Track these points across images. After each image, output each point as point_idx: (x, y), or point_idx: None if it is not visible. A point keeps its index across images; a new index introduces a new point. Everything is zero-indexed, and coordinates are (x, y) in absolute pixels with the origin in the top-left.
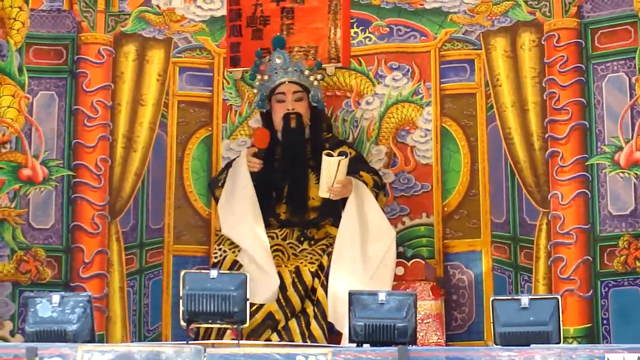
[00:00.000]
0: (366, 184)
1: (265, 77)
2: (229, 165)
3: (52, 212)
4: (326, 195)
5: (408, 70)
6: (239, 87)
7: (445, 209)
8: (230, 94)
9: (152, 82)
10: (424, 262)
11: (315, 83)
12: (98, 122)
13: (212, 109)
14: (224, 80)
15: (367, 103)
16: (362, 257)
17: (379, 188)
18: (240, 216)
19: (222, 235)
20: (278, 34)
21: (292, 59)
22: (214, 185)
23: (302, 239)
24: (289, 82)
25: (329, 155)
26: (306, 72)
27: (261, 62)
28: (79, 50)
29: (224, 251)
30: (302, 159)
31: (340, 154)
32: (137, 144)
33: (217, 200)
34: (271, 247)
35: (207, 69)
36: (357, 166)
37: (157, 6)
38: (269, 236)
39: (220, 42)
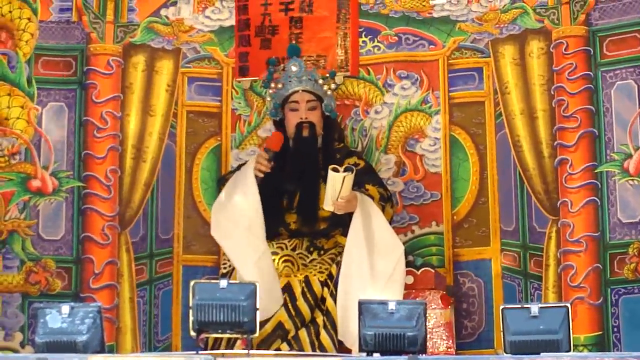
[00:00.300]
0: (372, 198)
1: (280, 86)
2: (240, 166)
3: (62, 223)
4: (330, 209)
5: (417, 79)
6: (247, 96)
7: (455, 217)
8: (239, 103)
9: (161, 93)
10: (433, 271)
11: (329, 92)
12: (107, 132)
13: (221, 119)
14: (233, 90)
15: (376, 112)
16: (371, 272)
17: (385, 201)
18: (233, 222)
19: None
20: (293, 42)
21: (307, 68)
22: (220, 184)
23: (311, 249)
24: (302, 90)
25: (334, 170)
26: (320, 81)
27: (275, 70)
28: (88, 61)
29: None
30: (314, 168)
31: (345, 170)
32: (146, 154)
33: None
34: (280, 257)
35: (215, 79)
36: (364, 178)
37: (166, 17)
38: (278, 247)
39: (229, 52)
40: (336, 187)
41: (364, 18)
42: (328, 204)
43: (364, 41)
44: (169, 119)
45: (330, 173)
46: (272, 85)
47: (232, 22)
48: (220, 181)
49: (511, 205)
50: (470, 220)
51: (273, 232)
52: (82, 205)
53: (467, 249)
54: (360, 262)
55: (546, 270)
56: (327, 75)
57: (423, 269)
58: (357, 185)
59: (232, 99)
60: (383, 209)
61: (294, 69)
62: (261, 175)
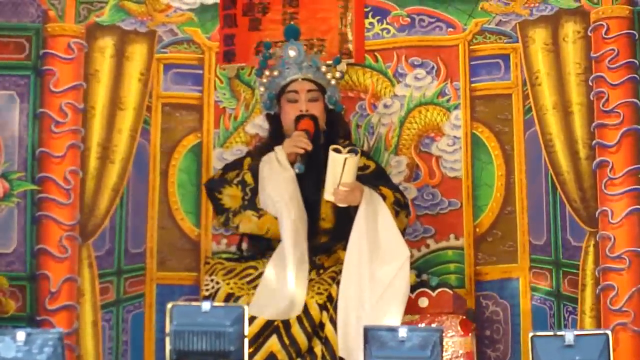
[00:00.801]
0: (384, 198)
1: (275, 73)
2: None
3: (14, 233)
4: (330, 199)
5: (433, 68)
6: (233, 86)
7: (477, 229)
8: (224, 94)
9: (133, 82)
10: (451, 292)
11: (333, 82)
12: (67, 127)
13: (202, 113)
14: (216, 79)
15: (385, 106)
16: (370, 278)
17: (400, 206)
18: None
19: (214, 264)
20: (292, 22)
21: (308, 53)
22: (218, 184)
23: (310, 267)
24: (302, 79)
25: (336, 151)
26: (323, 69)
27: (270, 55)
28: (44, 43)
29: (217, 282)
30: (316, 170)
31: (349, 151)
32: (114, 153)
33: (217, 201)
34: None
35: (196, 66)
36: (377, 182)
37: None
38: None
39: (212, 34)
40: (337, 171)
41: None
42: (328, 193)
43: (370, 23)
44: (142, 112)
45: (331, 154)
46: (267, 72)
47: None
48: (218, 182)
49: (542, 215)
50: (495, 233)
51: (264, 246)
52: (36, 212)
53: (491, 266)
54: (359, 267)
55: (582, 291)
56: (332, 62)
57: (439, 289)
58: (369, 184)
59: (215, 89)
60: (396, 215)
61: (292, 53)
62: (302, 151)
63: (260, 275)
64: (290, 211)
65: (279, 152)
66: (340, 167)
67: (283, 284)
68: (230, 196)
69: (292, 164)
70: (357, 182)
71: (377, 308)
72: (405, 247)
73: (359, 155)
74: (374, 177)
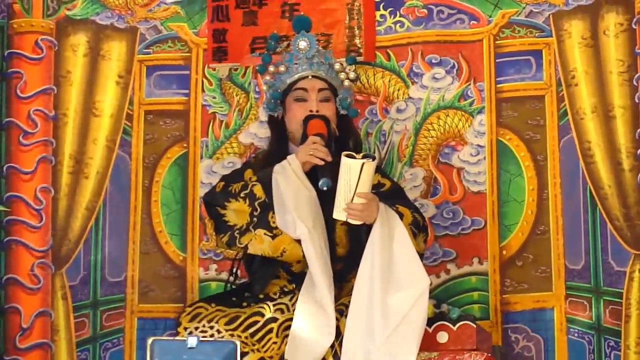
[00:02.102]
0: (402, 217)
1: (282, 68)
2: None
3: None
4: (342, 217)
5: (453, 66)
6: (225, 89)
7: (504, 252)
8: (214, 98)
9: (110, 86)
10: (474, 326)
11: (347, 83)
12: (37, 138)
13: (188, 118)
14: (205, 80)
15: (399, 110)
16: (382, 307)
17: (418, 228)
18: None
19: (215, 311)
20: (302, 13)
21: (320, 47)
22: (221, 198)
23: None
24: (313, 76)
25: (349, 157)
26: (337, 67)
27: (275, 48)
28: (10, 42)
29: (218, 331)
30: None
31: (365, 156)
32: (89, 168)
33: (219, 217)
34: (280, 325)
35: (182, 66)
36: (394, 201)
37: None
38: (276, 309)
39: (200, 29)
40: (352, 181)
41: None
42: (338, 209)
43: (382, 15)
44: (121, 121)
45: (344, 160)
46: (271, 68)
47: None
48: (221, 195)
49: (579, 235)
50: (525, 257)
51: (271, 274)
52: (3, 237)
53: (521, 294)
54: (371, 294)
55: (626, 323)
56: (345, 60)
57: (461, 322)
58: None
59: (203, 91)
60: (414, 237)
61: (302, 45)
62: (321, 162)
63: (268, 322)
64: (315, 240)
65: (293, 163)
66: (357, 176)
67: (321, 331)
68: (236, 211)
69: (307, 174)
70: (374, 195)
71: (389, 343)
72: (425, 275)
73: (376, 161)
74: (389, 195)
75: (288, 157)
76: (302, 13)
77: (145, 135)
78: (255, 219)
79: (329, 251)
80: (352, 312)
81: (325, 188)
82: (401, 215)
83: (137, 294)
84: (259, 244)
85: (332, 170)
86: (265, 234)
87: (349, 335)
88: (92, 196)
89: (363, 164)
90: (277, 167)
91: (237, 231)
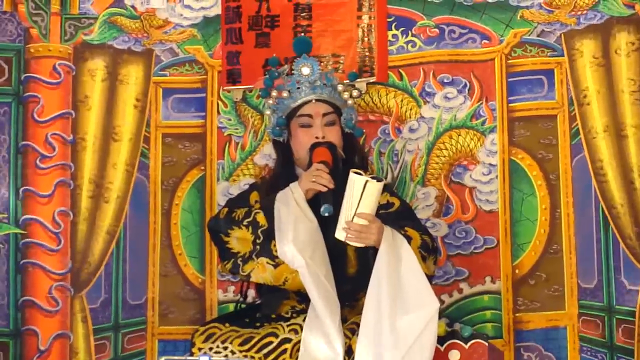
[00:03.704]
0: (410, 240)
1: (284, 94)
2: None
3: None
4: (341, 237)
5: (465, 86)
6: (240, 111)
7: (517, 271)
8: (229, 120)
9: (128, 109)
10: (486, 344)
11: (350, 102)
12: (55, 162)
13: (205, 141)
14: (220, 102)
15: (411, 130)
16: (390, 331)
17: (427, 251)
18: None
19: (230, 331)
20: (302, 34)
21: (323, 70)
22: (225, 225)
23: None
24: (316, 100)
25: (357, 174)
26: (339, 88)
27: (278, 74)
28: (27, 66)
29: (232, 352)
30: (337, 207)
31: (373, 178)
32: (109, 192)
33: (223, 245)
34: (293, 345)
35: (200, 89)
36: (402, 222)
37: (133, 7)
38: (290, 329)
39: (215, 51)
40: (354, 196)
41: (395, 4)
42: (339, 228)
43: (394, 35)
44: (139, 144)
45: (350, 175)
46: (274, 93)
47: (218, 10)
48: (225, 222)
49: (592, 254)
50: (538, 275)
51: (280, 295)
52: (21, 259)
53: (534, 313)
54: (379, 317)
55: (639, 342)
56: (347, 78)
57: (473, 341)
58: (392, 225)
59: (218, 113)
60: (423, 261)
61: (305, 71)
62: (324, 189)
63: (282, 343)
64: (313, 271)
65: (296, 191)
66: (359, 193)
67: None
68: (239, 239)
69: (309, 201)
70: (376, 218)
71: None
72: (434, 298)
73: (382, 183)
74: (398, 216)
75: (291, 185)
76: (312, 34)
77: (164, 158)
78: (257, 247)
79: (332, 279)
80: (361, 336)
81: (327, 214)
82: (409, 239)
83: (158, 316)
84: (261, 272)
85: (335, 196)
86: (267, 262)
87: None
88: (112, 220)
89: (367, 181)
90: (279, 195)
91: (241, 259)
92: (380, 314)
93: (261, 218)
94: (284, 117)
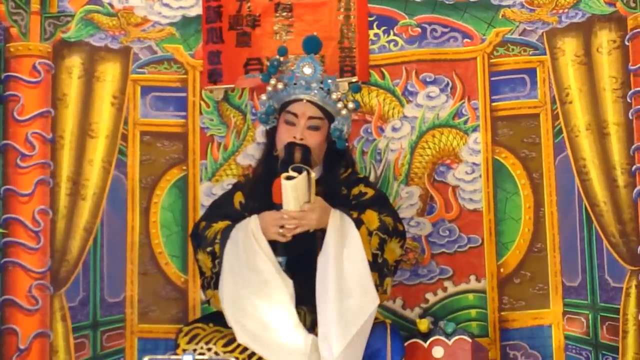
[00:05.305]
0: (361, 223)
1: (280, 86)
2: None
3: None
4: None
5: (447, 85)
6: (222, 111)
7: (501, 269)
8: (211, 120)
9: (105, 107)
10: (470, 340)
11: (344, 112)
12: (35, 161)
13: (187, 142)
14: (202, 102)
15: (394, 129)
16: (337, 314)
17: (388, 233)
18: (261, 325)
19: (213, 332)
20: (314, 33)
21: (324, 74)
22: (197, 242)
23: (316, 324)
24: (307, 101)
25: (290, 177)
26: (334, 95)
27: (280, 64)
28: (7, 65)
29: (216, 353)
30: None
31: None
32: (86, 189)
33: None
34: None
35: (179, 88)
36: (370, 206)
37: (110, 4)
38: None
39: (196, 51)
40: (286, 197)
41: (376, 3)
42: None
43: (376, 34)
44: (117, 142)
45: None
46: (272, 81)
47: (198, 10)
48: (198, 239)
49: (576, 252)
50: (523, 274)
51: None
52: (1, 258)
53: (519, 312)
54: (326, 298)
55: (624, 339)
56: (349, 88)
57: (456, 337)
58: (358, 210)
59: (200, 113)
60: (383, 244)
61: (307, 70)
62: (286, 238)
63: None
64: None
65: (255, 229)
66: (288, 190)
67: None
68: (202, 262)
69: (270, 241)
70: (315, 203)
71: (344, 355)
72: (375, 293)
73: (304, 174)
74: (368, 202)
75: (252, 224)
76: (293, 33)
77: (142, 155)
78: (213, 278)
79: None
80: (319, 321)
81: (280, 261)
82: (361, 223)
83: (137, 314)
84: (217, 302)
85: (289, 244)
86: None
87: (320, 343)
88: (89, 217)
89: (288, 177)
90: (233, 233)
91: (205, 280)
92: (327, 296)
93: (219, 249)
94: (273, 106)
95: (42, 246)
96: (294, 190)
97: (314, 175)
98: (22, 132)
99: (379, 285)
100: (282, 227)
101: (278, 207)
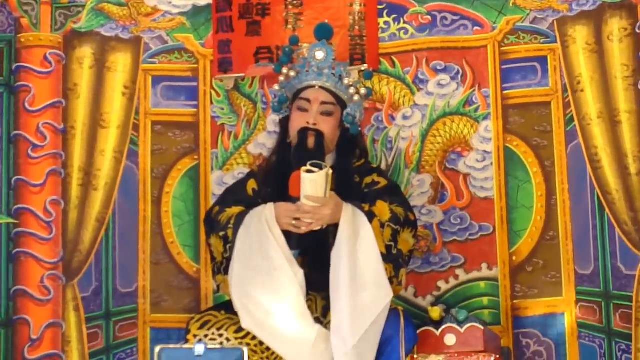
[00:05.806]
0: (373, 216)
1: (292, 73)
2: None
3: None
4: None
5: (458, 73)
6: (233, 100)
7: (514, 258)
8: (222, 109)
9: (117, 97)
10: (482, 328)
11: (356, 98)
12: (46, 151)
13: (198, 131)
14: (213, 92)
15: (405, 117)
16: (351, 309)
17: (400, 224)
18: (265, 312)
19: (225, 319)
20: (326, 21)
21: (337, 60)
22: (210, 227)
23: (327, 310)
24: (319, 87)
25: (309, 171)
26: (346, 81)
27: (293, 52)
28: (18, 56)
29: (227, 339)
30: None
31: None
32: (98, 179)
33: (208, 246)
34: None
35: (190, 78)
36: (380, 197)
37: None
38: None
39: (206, 40)
40: (304, 190)
41: None
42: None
43: (386, 22)
44: (128, 132)
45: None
46: (284, 70)
47: None
48: (211, 223)
49: (588, 240)
50: (535, 262)
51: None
52: (13, 248)
53: (531, 300)
54: (339, 293)
55: (637, 326)
56: (362, 75)
57: (469, 324)
58: (369, 201)
59: (211, 102)
60: (396, 235)
61: (319, 55)
62: (301, 231)
63: None
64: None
65: (270, 217)
66: (306, 183)
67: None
68: (214, 247)
69: (284, 232)
70: (329, 199)
71: (358, 347)
72: (389, 287)
73: (325, 171)
74: (382, 192)
75: (267, 211)
76: (302, 22)
77: (153, 145)
78: (224, 263)
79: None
80: (332, 314)
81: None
82: (373, 215)
83: (150, 304)
84: (226, 288)
85: (302, 237)
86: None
87: (333, 335)
88: (101, 207)
89: (309, 171)
90: (246, 220)
91: (216, 266)
92: (340, 290)
93: (232, 234)
94: (286, 95)
95: (54, 236)
96: (312, 184)
97: (331, 172)
98: (33, 122)
99: (394, 277)
100: (296, 219)
101: (293, 199)
